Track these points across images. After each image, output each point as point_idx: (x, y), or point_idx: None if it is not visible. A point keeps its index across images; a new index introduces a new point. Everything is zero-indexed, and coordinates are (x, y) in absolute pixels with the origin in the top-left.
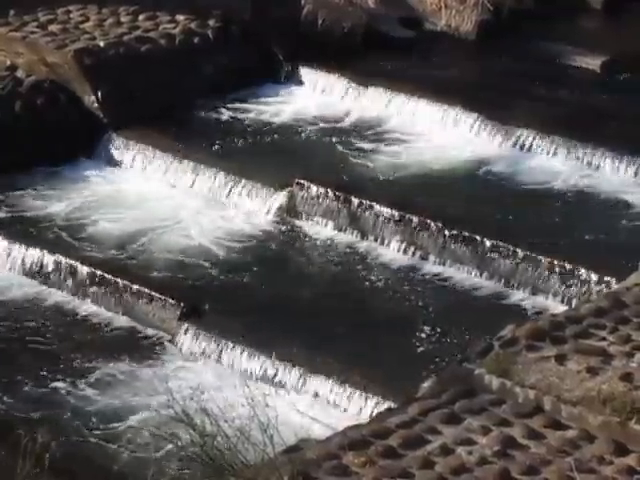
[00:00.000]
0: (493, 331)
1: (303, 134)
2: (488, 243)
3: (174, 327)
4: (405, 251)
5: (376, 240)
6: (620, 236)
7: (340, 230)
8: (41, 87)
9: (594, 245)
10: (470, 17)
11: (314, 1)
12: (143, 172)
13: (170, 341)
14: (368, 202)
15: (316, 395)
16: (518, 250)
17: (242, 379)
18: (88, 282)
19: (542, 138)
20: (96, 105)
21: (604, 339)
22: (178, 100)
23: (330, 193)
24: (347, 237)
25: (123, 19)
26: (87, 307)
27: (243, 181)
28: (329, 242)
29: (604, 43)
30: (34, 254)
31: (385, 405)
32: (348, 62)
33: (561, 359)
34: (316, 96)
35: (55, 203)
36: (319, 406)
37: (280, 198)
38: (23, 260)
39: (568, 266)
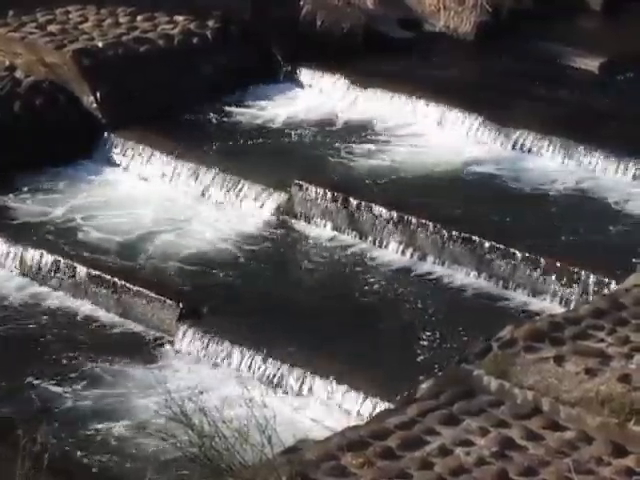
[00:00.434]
0: (491, 332)
1: (302, 135)
2: (487, 244)
3: (173, 328)
4: (403, 252)
5: (375, 241)
6: (619, 237)
7: (339, 231)
8: (40, 87)
9: (593, 246)
10: (469, 18)
11: (313, 2)
12: (142, 172)
13: (169, 342)
14: (367, 203)
15: (315, 396)
16: (517, 251)
17: (240, 380)
18: (87, 283)
19: (541, 139)
20: (95, 105)
21: (603, 340)
22: (177, 100)
23: (329, 194)
24: (346, 238)
25: (122, 20)
26: (86, 308)
27: (241, 182)
28: (328, 243)
29: (603, 44)
30: (33, 254)
31: (384, 406)
32: (347, 63)
33: (560, 360)
34: (315, 96)
35: (54, 203)
36: (318, 407)
37: (279, 199)
38: (22, 260)
39: (567, 267)
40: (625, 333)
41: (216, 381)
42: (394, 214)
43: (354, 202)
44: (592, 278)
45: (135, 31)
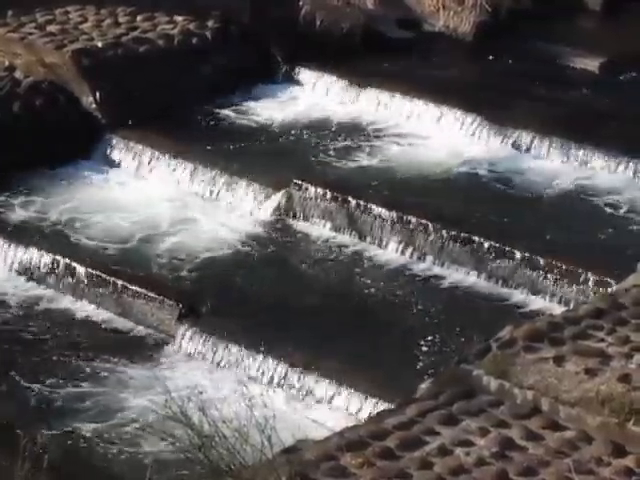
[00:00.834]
0: (491, 332)
1: (301, 134)
2: (486, 244)
3: (173, 328)
4: (403, 252)
5: (374, 241)
6: (619, 237)
7: (338, 231)
8: (39, 88)
9: (592, 246)
10: (468, 18)
11: (312, 2)
12: (141, 172)
13: (168, 342)
14: (366, 203)
15: (314, 396)
16: (516, 251)
17: (240, 380)
18: (86, 283)
19: (541, 139)
20: (95, 106)
21: (602, 340)
22: (176, 101)
23: (328, 194)
24: (345, 238)
25: (121, 20)
26: (85, 308)
27: (241, 181)
28: (327, 243)
29: (603, 44)
30: (32, 254)
31: (384, 406)
32: (346, 63)
33: (559, 360)
34: (314, 96)
35: (54, 203)
36: (317, 407)
37: (278, 199)
38: (21, 260)
39: (566, 267)
40: (625, 333)
41: (215, 381)
42: (393, 214)
43: (353, 202)
44: (592, 278)
45: (135, 31)
